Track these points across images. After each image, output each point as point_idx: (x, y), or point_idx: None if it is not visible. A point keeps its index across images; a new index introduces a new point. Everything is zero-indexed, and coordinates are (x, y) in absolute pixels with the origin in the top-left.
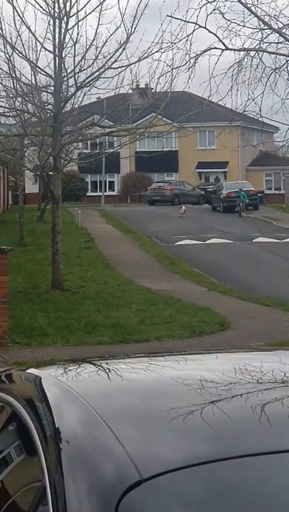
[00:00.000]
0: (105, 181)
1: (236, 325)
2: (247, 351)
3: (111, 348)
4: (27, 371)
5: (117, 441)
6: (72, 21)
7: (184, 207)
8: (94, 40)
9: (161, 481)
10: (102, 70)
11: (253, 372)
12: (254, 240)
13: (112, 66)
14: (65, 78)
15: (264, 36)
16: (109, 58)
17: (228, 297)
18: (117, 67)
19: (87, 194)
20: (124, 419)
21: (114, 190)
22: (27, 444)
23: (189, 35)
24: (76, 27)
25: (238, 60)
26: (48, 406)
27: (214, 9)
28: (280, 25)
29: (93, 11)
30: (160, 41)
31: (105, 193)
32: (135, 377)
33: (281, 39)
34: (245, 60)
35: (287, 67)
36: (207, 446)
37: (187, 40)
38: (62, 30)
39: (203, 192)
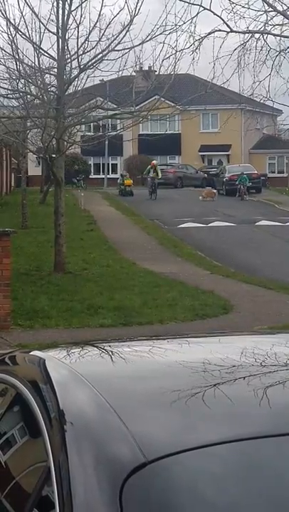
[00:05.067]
0: (108, 164)
1: (239, 308)
2: (250, 334)
3: (114, 330)
4: (31, 353)
5: (122, 423)
6: (75, 3)
7: (213, 190)
8: (97, 21)
9: (166, 463)
10: (105, 52)
11: (256, 355)
12: (257, 223)
13: (116, 48)
14: (69, 60)
15: (269, 18)
16: (113, 40)
17: (230, 280)
18: (121, 50)
19: (90, 177)
20: (128, 402)
21: (117, 173)
22: (31, 426)
23: (194, 17)
24: (80, 8)
25: (242, 43)
26: (52, 388)
27: None
28: (285, 8)
29: None
30: (164, 23)
31: (108, 176)
32: (139, 360)
33: (285, 21)
34: (250, 42)
35: None
36: (211, 429)
37: (191, 22)
38: (66, 12)
39: (206, 175)
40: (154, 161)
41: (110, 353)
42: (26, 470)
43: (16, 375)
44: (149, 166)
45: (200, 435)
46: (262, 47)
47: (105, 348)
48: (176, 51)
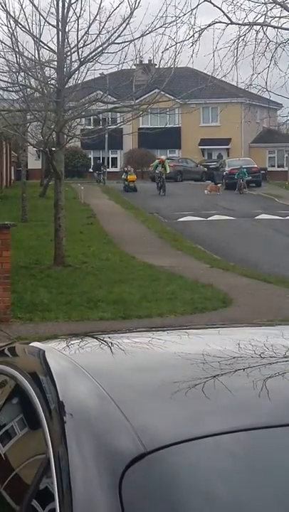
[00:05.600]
0: (108, 158)
1: (238, 302)
2: (249, 326)
3: (113, 323)
4: (30, 344)
5: (121, 414)
6: None
7: (218, 184)
8: (97, 14)
9: (165, 454)
10: (105, 45)
11: (255, 346)
12: (256, 217)
13: (116, 41)
14: (69, 53)
15: (268, 9)
16: (113, 33)
17: (230, 274)
18: (121, 43)
19: (90, 170)
20: (128, 393)
21: (116, 167)
22: (31, 417)
23: (194, 9)
24: (79, 1)
25: (242, 35)
26: (52, 379)
27: None
28: None
29: None
30: (164, 15)
31: (108, 170)
32: (138, 351)
33: (284, 13)
34: (250, 34)
35: None
36: (211, 420)
37: (191, 14)
38: (66, 5)
39: (205, 169)
40: (162, 157)
41: (110, 344)
42: (26, 461)
43: (15, 367)
44: (157, 161)
45: (199, 426)
46: (261, 39)
47: (105, 339)
48: (176, 43)
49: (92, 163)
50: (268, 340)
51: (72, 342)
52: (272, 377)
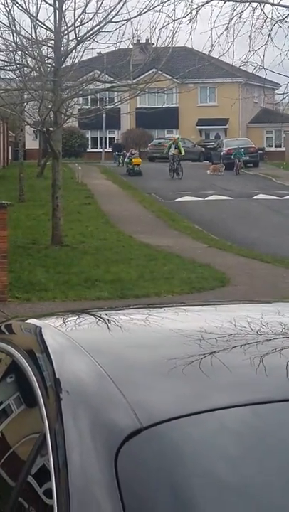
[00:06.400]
0: (106, 137)
1: (236, 281)
2: (246, 303)
3: (110, 303)
4: (27, 321)
5: (118, 390)
6: None
7: (219, 164)
8: None
9: (161, 429)
10: (102, 24)
11: (252, 323)
12: (254, 197)
13: (113, 20)
14: (66, 32)
15: None
16: (110, 12)
17: (227, 253)
18: (118, 21)
19: (88, 150)
20: (124, 369)
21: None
22: (27, 394)
23: None
24: None
25: (239, 12)
26: (48, 356)
27: None
28: None
29: None
30: None
31: (105, 150)
32: (136, 328)
33: None
34: (247, 11)
35: None
36: (207, 396)
37: None
38: None
39: (203, 149)
40: (175, 136)
41: (107, 321)
42: (22, 439)
43: (12, 343)
44: (170, 141)
45: (196, 402)
46: (258, 16)
47: (102, 316)
48: (174, 20)
49: (89, 143)
50: (265, 317)
51: (69, 319)
52: (270, 354)
